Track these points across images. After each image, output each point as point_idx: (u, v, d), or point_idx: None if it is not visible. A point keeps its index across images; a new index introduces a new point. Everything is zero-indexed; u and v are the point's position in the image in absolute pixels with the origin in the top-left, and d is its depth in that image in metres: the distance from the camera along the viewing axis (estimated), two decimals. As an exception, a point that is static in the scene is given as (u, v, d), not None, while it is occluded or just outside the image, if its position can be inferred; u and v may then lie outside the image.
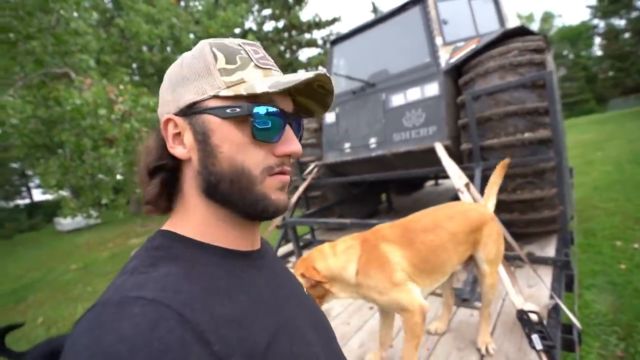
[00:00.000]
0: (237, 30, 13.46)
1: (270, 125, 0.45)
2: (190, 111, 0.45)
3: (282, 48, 14.37)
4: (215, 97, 0.44)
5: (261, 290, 0.46)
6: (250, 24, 14.06)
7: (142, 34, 7.57)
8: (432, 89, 2.65)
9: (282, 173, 0.47)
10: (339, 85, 3.44)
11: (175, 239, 0.45)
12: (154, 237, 0.46)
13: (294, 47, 14.50)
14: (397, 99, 2.84)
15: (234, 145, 0.44)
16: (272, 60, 0.50)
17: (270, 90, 0.42)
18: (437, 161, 2.38)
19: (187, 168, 0.47)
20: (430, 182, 5.92)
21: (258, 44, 0.50)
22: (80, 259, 8.83)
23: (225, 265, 0.45)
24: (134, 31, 7.70)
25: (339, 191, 3.77)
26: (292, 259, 3.14)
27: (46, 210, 21.67)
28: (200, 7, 10.65)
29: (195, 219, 0.47)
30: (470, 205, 1.52)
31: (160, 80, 0.57)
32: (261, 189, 0.45)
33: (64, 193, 6.51)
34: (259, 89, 0.42)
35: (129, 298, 0.32)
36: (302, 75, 0.44)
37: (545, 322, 1.42)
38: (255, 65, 0.46)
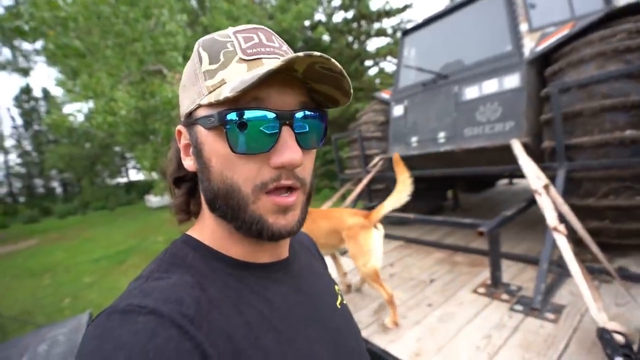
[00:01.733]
0: (307, 23, 13.74)
1: (252, 134, 0.37)
2: (188, 122, 0.44)
3: (350, 39, 14.28)
4: (201, 105, 0.41)
5: (275, 307, 0.44)
6: (320, 15, 14.23)
7: (223, 30, 8.24)
8: (513, 80, 2.44)
9: (280, 189, 0.40)
10: (409, 78, 3.36)
11: (195, 246, 0.45)
12: (176, 242, 0.47)
13: (363, 38, 14.29)
14: (471, 92, 2.68)
15: (220, 159, 0.40)
16: (275, 43, 0.42)
17: (231, 95, 0.35)
18: (512, 159, 2.21)
19: (199, 179, 0.46)
20: (504, 181, 5.44)
21: (262, 27, 0.44)
22: (167, 232, 10.16)
23: (239, 277, 0.43)
24: (215, 27, 8.41)
25: (402, 185, 3.72)
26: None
27: (139, 189, 25.25)
28: (274, 2, 11.13)
29: (210, 230, 0.46)
30: (341, 213, 1.98)
31: None
32: (255, 210, 0.40)
33: (155, 175, 7.54)
34: (223, 95, 0.36)
35: (133, 306, 0.33)
36: (271, 64, 0.35)
37: (635, 347, 1.27)
38: (240, 58, 0.39)
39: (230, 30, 0.42)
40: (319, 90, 0.42)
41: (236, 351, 0.36)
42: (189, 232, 0.48)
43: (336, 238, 1.95)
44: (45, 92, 29.45)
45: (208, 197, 0.43)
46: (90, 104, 6.03)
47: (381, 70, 13.57)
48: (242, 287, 0.42)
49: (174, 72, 6.40)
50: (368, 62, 13.92)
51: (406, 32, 3.54)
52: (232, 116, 0.37)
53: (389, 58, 13.03)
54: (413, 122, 3.18)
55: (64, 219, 19.24)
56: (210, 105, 0.39)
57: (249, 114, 0.37)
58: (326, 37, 13.93)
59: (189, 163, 0.45)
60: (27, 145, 31.94)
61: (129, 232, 11.38)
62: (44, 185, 33.13)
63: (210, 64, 0.40)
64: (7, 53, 11.49)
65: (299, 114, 0.40)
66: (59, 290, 5.96)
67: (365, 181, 3.37)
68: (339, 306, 0.56)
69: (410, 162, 3.33)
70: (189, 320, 0.34)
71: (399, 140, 3.33)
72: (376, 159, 3.49)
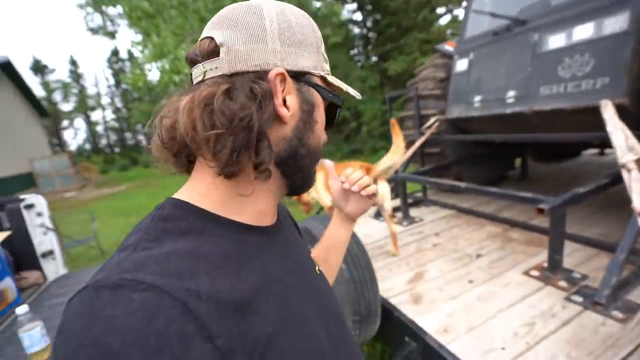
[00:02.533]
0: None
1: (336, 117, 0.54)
2: (302, 78, 0.45)
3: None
4: (322, 77, 0.48)
5: (272, 272, 0.43)
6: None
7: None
8: (617, 22, 1.91)
9: None
10: (478, 26, 2.88)
11: (187, 209, 0.41)
12: (163, 206, 0.41)
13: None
14: (556, 40, 2.19)
15: (322, 125, 0.50)
16: None
17: (357, 97, 0.53)
18: (600, 125, 1.80)
19: (269, 132, 0.42)
20: (593, 150, 4.60)
21: None
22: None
23: (239, 241, 0.41)
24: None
25: (459, 150, 3.37)
26: (398, 214, 3.12)
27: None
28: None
29: (232, 189, 0.43)
30: (352, 166, 2.43)
31: None
32: (316, 169, 0.52)
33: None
34: (352, 93, 0.53)
35: (126, 281, 0.29)
36: (354, 92, 0.54)
37: None
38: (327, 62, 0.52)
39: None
40: None
41: (242, 319, 0.34)
42: (177, 196, 0.44)
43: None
44: (130, 53, 32.46)
45: (298, 152, 0.46)
46: (160, 63, 6.48)
47: (454, 19, 11.97)
48: (241, 254, 0.40)
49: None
50: (440, 10, 12.36)
51: (481, -31, 2.97)
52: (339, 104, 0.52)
53: (464, 4, 11.36)
54: (478, 78, 2.77)
55: (147, 169, 21.99)
56: (333, 85, 0.49)
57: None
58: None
59: (285, 112, 0.43)
60: (118, 103, 36.35)
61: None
62: (132, 137, 37.90)
63: (324, 51, 0.50)
64: (98, 19, 12.74)
65: None
66: (142, 229, 7.01)
67: (417, 144, 3.12)
68: (318, 272, 0.57)
69: (471, 124, 2.98)
70: (194, 295, 0.30)
71: (459, 99, 2.96)
72: (432, 120, 3.18)
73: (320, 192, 2.65)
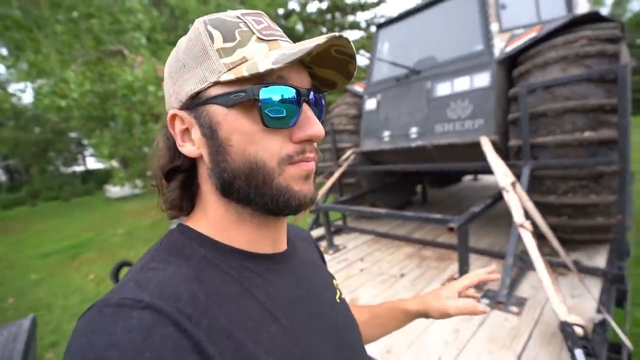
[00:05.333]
0: (281, 11, 13.39)
1: (283, 109, 0.39)
2: (193, 103, 0.41)
3: (324, 30, 14.12)
4: (217, 83, 0.39)
5: (277, 301, 0.42)
6: (293, 4, 13.93)
7: (191, 12, 7.77)
8: (483, 79, 2.49)
9: (305, 161, 0.41)
10: (382, 72, 3.34)
11: (192, 236, 0.43)
12: (172, 232, 0.44)
13: (336, 30, 14.19)
14: (443, 89, 2.71)
15: (244, 136, 0.39)
16: (280, 30, 0.44)
17: (275, 67, 0.36)
18: (481, 156, 2.26)
19: (201, 166, 0.44)
20: (469, 177, 5.67)
21: (262, 12, 0.45)
22: (126, 225, 9.59)
23: (241, 269, 0.42)
24: (183, 9, 7.91)
25: (372, 179, 3.73)
26: (323, 243, 3.20)
27: (98, 178, 23.63)
28: (245, -13, 10.67)
29: (213, 219, 0.44)
30: None
31: None
32: (282, 181, 0.40)
33: (115, 163, 7.04)
34: (262, 67, 0.36)
35: (127, 300, 0.31)
36: (312, 41, 0.37)
37: (589, 337, 1.34)
38: (258, 38, 0.40)
39: (235, 12, 0.43)
40: (319, 75, 0.46)
41: (238, 347, 0.34)
42: (186, 223, 0.45)
43: None
44: (-14, 69, 26.48)
45: (225, 179, 0.41)
46: (37, 83, 5.46)
47: (354, 64, 13.56)
48: (244, 281, 0.41)
49: (136, 54, 5.94)
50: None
51: (381, 25, 3.52)
52: (269, 91, 0.38)
53: (361, 52, 13.04)
54: (385, 116, 3.17)
55: (9, 210, 17.57)
56: (232, 82, 0.39)
57: (281, 89, 0.39)
58: (299, 27, 13.67)
59: (189, 149, 0.42)
60: (-36, 128, 28.73)
61: (84, 225, 10.56)
62: (-15, 172, 30.03)
63: (224, 42, 0.39)
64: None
65: (312, 93, 0.43)
66: (0, 289, 5.43)
67: (336, 175, 3.33)
68: (338, 300, 0.56)
69: (381, 156, 3.35)
70: (186, 317, 0.32)
71: (371, 134, 3.32)
72: (348, 153, 3.47)
73: None
